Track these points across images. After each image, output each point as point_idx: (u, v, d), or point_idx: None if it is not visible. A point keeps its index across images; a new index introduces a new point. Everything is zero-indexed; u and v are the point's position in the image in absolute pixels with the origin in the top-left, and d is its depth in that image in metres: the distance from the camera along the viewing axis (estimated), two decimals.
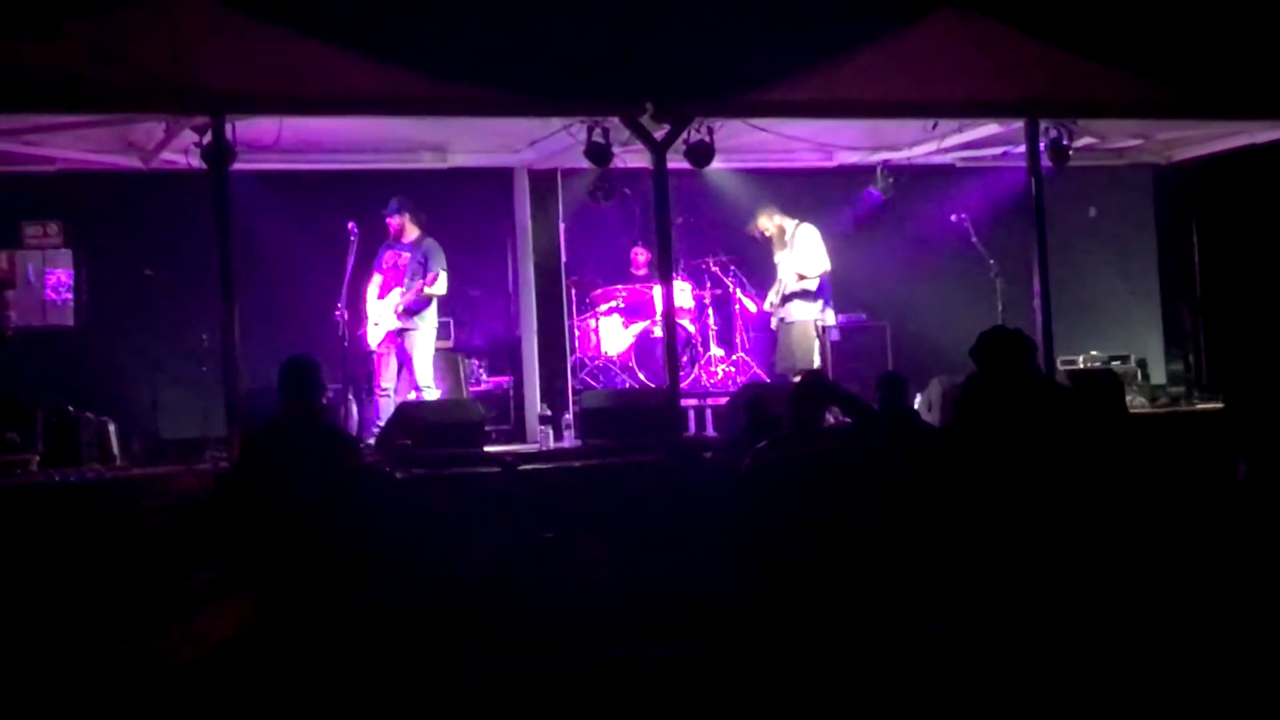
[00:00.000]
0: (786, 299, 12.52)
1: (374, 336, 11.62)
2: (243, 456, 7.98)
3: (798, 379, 11.72)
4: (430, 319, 11.65)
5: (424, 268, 11.48)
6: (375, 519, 7.41)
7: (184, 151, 10.60)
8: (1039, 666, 6.08)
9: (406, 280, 11.51)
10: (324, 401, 10.72)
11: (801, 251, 12.46)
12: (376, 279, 11.67)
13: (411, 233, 11.68)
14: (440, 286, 11.52)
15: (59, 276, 11.95)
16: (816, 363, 12.10)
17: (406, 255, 11.61)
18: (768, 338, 13.36)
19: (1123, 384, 12.20)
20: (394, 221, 11.66)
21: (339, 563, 6.79)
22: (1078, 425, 6.49)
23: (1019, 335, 6.81)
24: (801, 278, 12.41)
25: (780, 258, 12.64)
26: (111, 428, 10.94)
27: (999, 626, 6.10)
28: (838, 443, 8.28)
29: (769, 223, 12.70)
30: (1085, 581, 6.14)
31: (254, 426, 9.00)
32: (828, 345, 12.30)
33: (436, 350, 12.17)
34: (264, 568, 6.89)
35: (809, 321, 12.35)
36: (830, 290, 12.54)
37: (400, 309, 11.49)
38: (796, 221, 12.65)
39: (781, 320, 12.60)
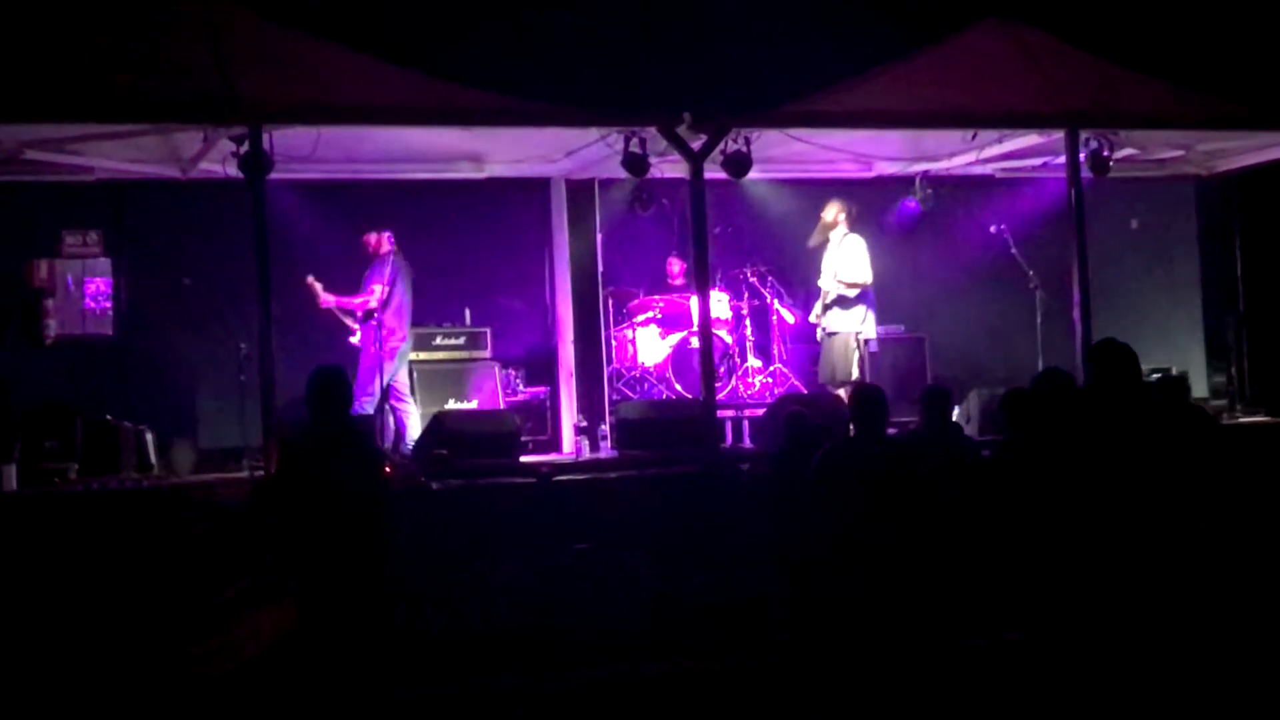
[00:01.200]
0: (827, 308, 12.44)
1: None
2: (279, 467, 7.96)
3: (841, 390, 11.67)
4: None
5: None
6: (407, 530, 7.37)
7: (222, 161, 10.61)
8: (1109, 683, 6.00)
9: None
10: (353, 412, 10.77)
11: (845, 257, 12.37)
12: None
13: (383, 249, 11.63)
14: (372, 300, 11.42)
15: (98, 285, 12.01)
16: (855, 375, 12.01)
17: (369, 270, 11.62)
18: (805, 349, 13.29)
19: None
20: (368, 239, 11.63)
21: (370, 575, 6.74)
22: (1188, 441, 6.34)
23: (1129, 350, 6.66)
24: (841, 283, 12.30)
25: (826, 257, 12.54)
26: (149, 436, 10.97)
27: (1073, 640, 6.01)
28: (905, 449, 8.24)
29: (838, 212, 12.54)
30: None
31: (286, 437, 9.01)
32: (866, 357, 12.22)
33: (475, 360, 12.21)
34: (301, 579, 6.85)
35: (850, 334, 12.26)
36: (874, 303, 12.43)
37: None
38: (847, 230, 12.55)
39: (824, 331, 12.52)
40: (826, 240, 12.59)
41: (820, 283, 12.57)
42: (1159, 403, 7.51)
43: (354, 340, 11.56)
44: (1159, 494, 5.92)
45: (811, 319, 12.74)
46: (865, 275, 12.35)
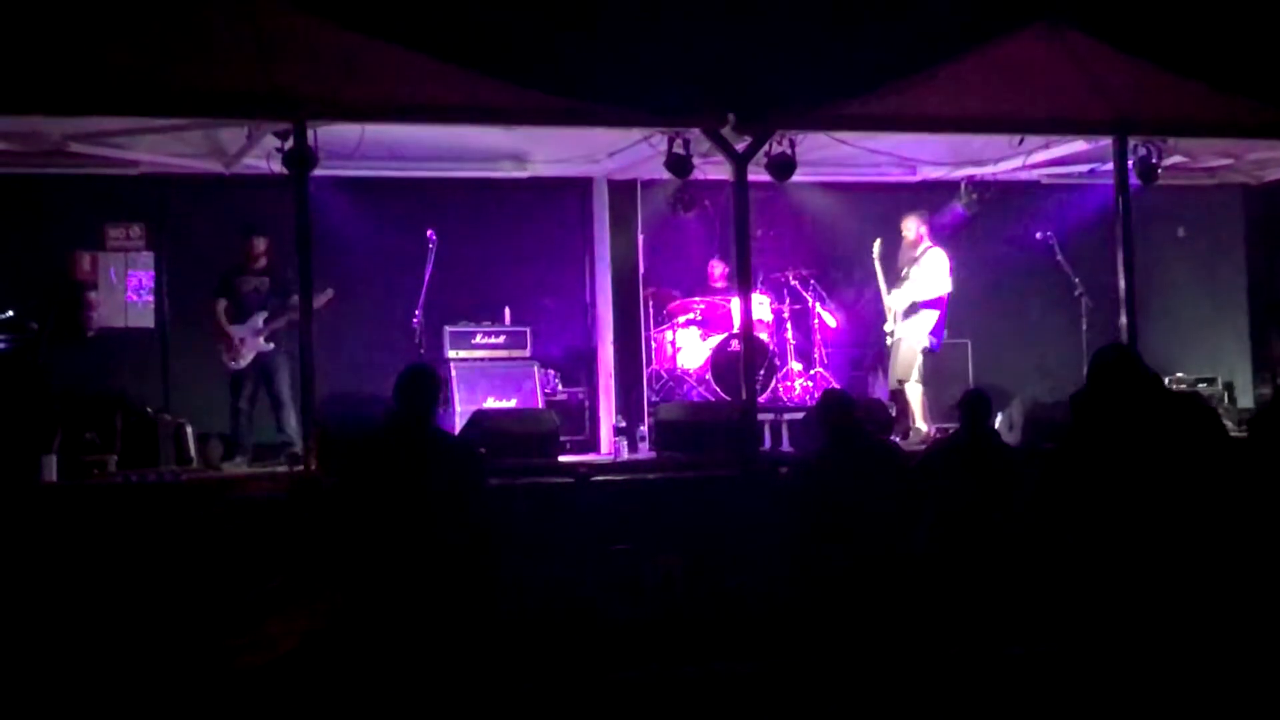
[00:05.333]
0: (906, 314, 12.07)
1: (244, 358, 11.27)
2: (347, 464, 7.81)
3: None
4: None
5: (286, 293, 11.06)
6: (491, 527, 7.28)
7: (266, 157, 10.63)
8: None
9: (269, 304, 11.23)
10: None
11: (924, 272, 12.05)
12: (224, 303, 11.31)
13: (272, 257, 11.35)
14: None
15: (140, 278, 12.07)
16: (914, 378, 11.83)
17: (266, 280, 11.31)
18: (846, 353, 13.25)
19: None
20: (257, 244, 11.35)
21: (453, 573, 6.66)
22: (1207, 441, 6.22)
23: (1131, 352, 6.56)
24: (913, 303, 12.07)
25: (909, 271, 12.15)
26: (189, 430, 10.99)
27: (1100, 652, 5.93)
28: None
29: (918, 227, 12.18)
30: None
31: (361, 434, 8.93)
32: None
33: (515, 359, 12.17)
34: (362, 576, 6.76)
35: (917, 340, 11.98)
36: (945, 312, 12.11)
37: (267, 334, 11.22)
38: (930, 243, 12.20)
39: (893, 336, 12.15)
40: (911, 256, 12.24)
41: (890, 301, 12.18)
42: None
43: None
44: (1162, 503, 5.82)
45: (886, 329, 12.32)
46: (943, 286, 12.05)
